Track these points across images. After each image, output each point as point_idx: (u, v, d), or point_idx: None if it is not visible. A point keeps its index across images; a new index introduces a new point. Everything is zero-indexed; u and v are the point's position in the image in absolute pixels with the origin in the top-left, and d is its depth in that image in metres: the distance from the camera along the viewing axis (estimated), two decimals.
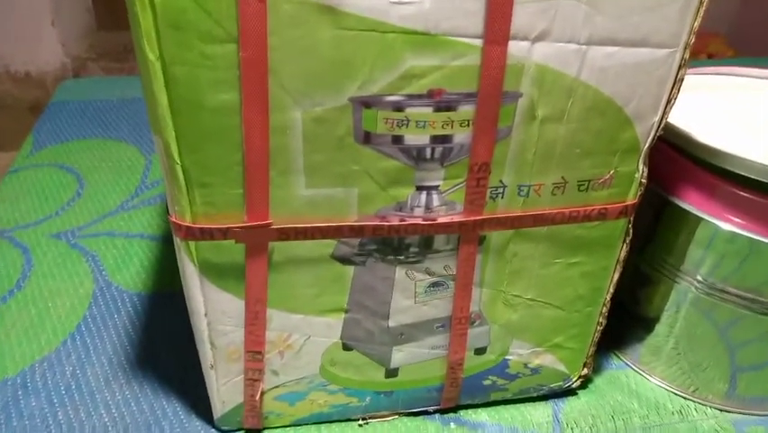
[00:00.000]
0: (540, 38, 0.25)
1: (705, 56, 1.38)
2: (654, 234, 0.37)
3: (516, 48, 0.25)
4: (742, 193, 0.33)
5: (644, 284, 0.39)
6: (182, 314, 0.33)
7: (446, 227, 0.30)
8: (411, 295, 0.32)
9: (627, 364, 0.42)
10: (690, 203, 0.35)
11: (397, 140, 0.27)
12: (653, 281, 0.39)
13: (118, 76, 1.48)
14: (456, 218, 0.30)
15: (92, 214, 0.56)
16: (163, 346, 0.43)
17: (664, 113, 0.29)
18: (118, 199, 0.58)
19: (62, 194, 0.59)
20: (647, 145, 0.30)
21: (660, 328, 0.39)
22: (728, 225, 0.34)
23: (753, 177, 0.32)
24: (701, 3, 0.26)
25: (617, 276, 0.35)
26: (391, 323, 0.33)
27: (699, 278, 0.36)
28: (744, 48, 1.43)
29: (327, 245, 0.30)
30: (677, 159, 0.35)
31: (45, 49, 1.49)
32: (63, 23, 1.50)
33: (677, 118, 0.36)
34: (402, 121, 0.27)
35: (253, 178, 0.27)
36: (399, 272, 0.31)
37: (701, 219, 0.35)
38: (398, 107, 0.26)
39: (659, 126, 0.29)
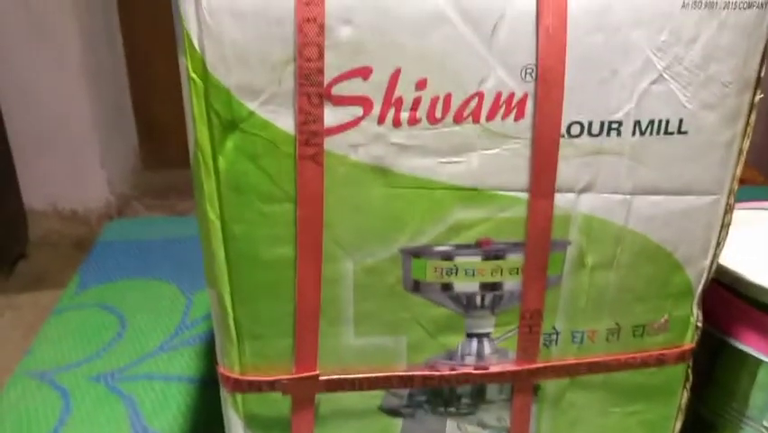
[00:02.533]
0: (585, 190, 0.26)
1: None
2: (713, 377, 0.36)
3: (562, 199, 0.26)
4: None
5: (706, 431, 0.37)
6: None
7: (499, 376, 0.29)
8: None
9: None
10: (748, 344, 0.34)
11: (447, 288, 0.27)
12: (716, 428, 0.36)
13: (160, 213, 1.54)
14: (509, 367, 0.29)
15: (132, 355, 0.56)
16: None
17: (714, 256, 0.29)
18: (158, 340, 0.59)
19: (104, 335, 0.60)
20: (700, 289, 0.29)
21: None
22: None
23: None
24: (741, 152, 0.27)
25: (679, 424, 0.33)
26: None
27: (765, 424, 0.34)
28: None
29: (375, 397, 0.29)
30: (730, 299, 0.34)
31: (92, 188, 1.57)
32: (111, 164, 1.58)
33: (726, 256, 0.35)
34: (451, 269, 0.27)
35: (304, 328, 0.27)
36: (450, 425, 0.30)
37: (761, 362, 0.33)
38: (447, 257, 0.27)
39: (710, 270, 0.29)
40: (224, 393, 0.29)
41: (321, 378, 0.28)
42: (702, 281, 0.29)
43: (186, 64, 0.23)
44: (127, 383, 0.53)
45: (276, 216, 0.25)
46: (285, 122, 0.24)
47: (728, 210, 0.28)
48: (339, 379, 0.28)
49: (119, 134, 1.58)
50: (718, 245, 0.28)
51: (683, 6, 0.23)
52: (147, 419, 0.49)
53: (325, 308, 0.27)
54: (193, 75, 0.23)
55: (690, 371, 0.31)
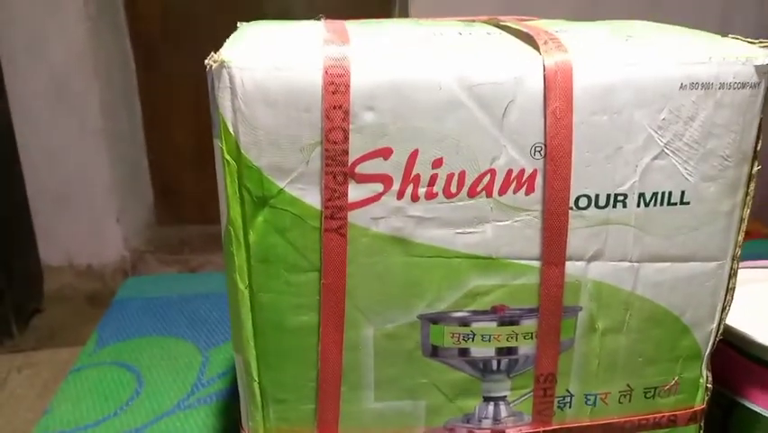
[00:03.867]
0: (594, 258, 0.27)
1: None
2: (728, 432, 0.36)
3: (572, 267, 0.27)
4: None
5: None
6: None
7: None
8: None
9: None
10: (759, 404, 0.34)
11: (464, 353, 0.28)
12: None
13: (173, 268, 1.55)
14: (525, 429, 0.30)
15: (149, 414, 0.57)
16: None
17: (721, 319, 0.30)
18: (175, 398, 0.59)
19: (122, 393, 0.60)
20: (708, 351, 0.30)
21: None
22: None
23: None
24: (742, 219, 0.28)
25: None
26: None
27: None
28: None
29: None
30: (739, 359, 0.35)
31: (108, 243, 1.59)
32: (126, 220, 1.61)
33: (734, 316, 0.36)
34: (468, 335, 0.28)
35: (326, 394, 0.28)
36: None
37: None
38: (464, 323, 0.28)
39: (717, 332, 0.30)
40: None
41: None
42: (710, 344, 0.30)
43: (221, 147, 0.25)
44: None
45: (301, 286, 0.27)
46: (312, 198, 0.25)
47: (732, 275, 0.29)
48: None
49: (135, 193, 1.62)
50: (724, 309, 0.30)
51: (681, 88, 0.25)
52: None
53: (347, 373, 0.28)
54: (227, 157, 0.25)
55: (701, 431, 0.32)
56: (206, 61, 0.24)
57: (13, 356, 0.85)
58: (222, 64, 0.24)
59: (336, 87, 0.24)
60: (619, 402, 0.30)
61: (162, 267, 1.57)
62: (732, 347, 0.36)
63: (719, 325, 0.30)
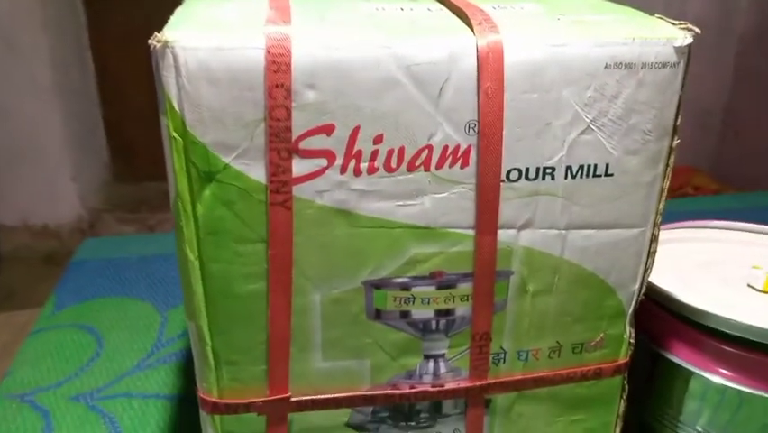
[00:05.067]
0: (524, 226, 0.29)
1: (691, 189, 1.46)
2: (653, 387, 0.39)
3: (504, 235, 0.29)
4: (726, 348, 0.36)
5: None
6: None
7: (454, 393, 0.32)
8: None
9: None
10: (681, 357, 0.38)
11: (405, 315, 0.30)
12: (657, 431, 0.40)
13: (132, 227, 1.53)
14: (463, 384, 0.32)
15: (110, 374, 0.58)
16: None
17: (642, 281, 0.32)
18: (135, 359, 0.60)
19: (82, 354, 0.61)
20: (631, 310, 0.33)
21: None
22: (718, 377, 0.36)
23: (734, 334, 0.35)
24: (662, 190, 0.30)
25: (618, 430, 0.36)
26: None
27: (698, 428, 0.38)
28: (726, 182, 1.52)
29: (342, 414, 0.32)
30: (664, 316, 0.38)
31: (64, 202, 1.57)
32: (82, 178, 1.58)
33: (660, 274, 0.39)
34: (409, 299, 0.30)
35: (276, 355, 0.30)
36: None
37: (692, 373, 0.37)
38: (405, 287, 0.30)
39: (639, 292, 0.33)
40: (203, 414, 0.32)
41: (292, 399, 0.31)
42: (633, 303, 0.33)
43: (167, 123, 0.26)
44: (106, 402, 0.55)
45: (249, 256, 0.28)
46: (257, 173, 0.26)
47: (653, 240, 0.31)
48: (309, 400, 0.31)
49: (90, 150, 1.58)
50: (646, 271, 0.32)
51: (606, 67, 0.27)
52: None
53: (295, 335, 0.30)
54: (174, 134, 0.26)
55: (626, 382, 0.35)
56: (150, 41, 0.24)
57: None
58: (165, 44, 0.24)
59: (278, 66, 0.25)
60: (549, 357, 0.33)
61: (120, 226, 1.56)
62: (657, 304, 0.39)
63: (641, 285, 0.32)
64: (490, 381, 0.32)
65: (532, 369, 0.33)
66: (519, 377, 0.33)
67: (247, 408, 0.31)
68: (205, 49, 0.24)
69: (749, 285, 0.40)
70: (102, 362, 0.60)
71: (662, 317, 0.38)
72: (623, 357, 0.34)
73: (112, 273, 0.77)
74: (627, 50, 0.27)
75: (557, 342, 0.32)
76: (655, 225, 0.31)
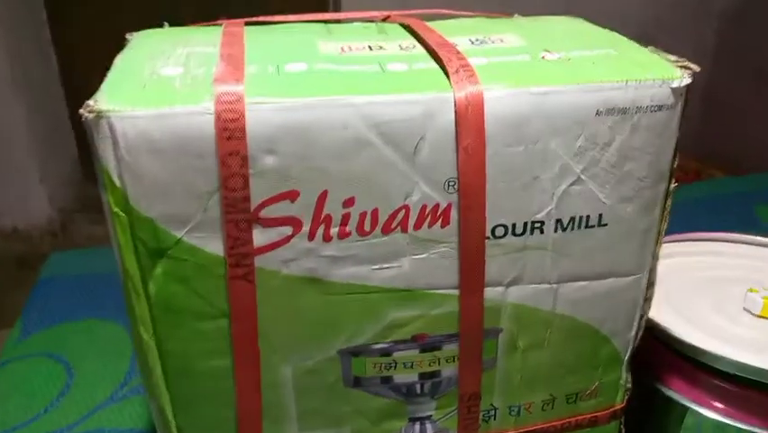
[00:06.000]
0: (513, 283, 0.27)
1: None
2: (648, 418, 0.38)
3: (491, 293, 0.27)
4: (721, 384, 0.34)
5: None
6: None
7: None
8: None
9: None
10: (676, 390, 0.36)
11: (387, 380, 0.28)
12: None
13: (105, 228, 1.49)
14: None
15: (81, 409, 0.55)
16: None
17: (639, 327, 0.30)
18: (108, 390, 0.58)
19: (51, 388, 0.58)
20: (628, 356, 0.31)
21: None
22: (713, 412, 0.35)
23: (730, 372, 0.33)
24: (659, 233, 0.28)
25: None
26: None
27: None
28: (707, 161, 1.51)
29: None
30: (659, 349, 0.36)
31: (33, 204, 1.52)
32: (51, 178, 1.53)
33: (655, 302, 0.37)
34: (390, 364, 0.28)
35: (247, 430, 0.27)
36: None
37: (687, 407, 0.35)
38: (385, 353, 0.27)
39: (636, 338, 0.31)
40: None
41: None
42: (629, 349, 0.31)
43: (107, 199, 0.23)
44: None
45: (210, 332, 0.25)
46: (214, 246, 0.24)
47: (649, 285, 0.29)
48: None
49: (57, 148, 1.53)
50: (642, 317, 0.30)
51: (597, 114, 0.24)
52: None
53: (267, 409, 0.27)
54: (115, 209, 0.23)
55: (622, 427, 0.33)
56: (81, 111, 0.21)
57: None
58: (99, 114, 0.21)
59: (231, 132, 0.22)
60: (542, 410, 0.31)
61: (93, 227, 1.51)
62: (655, 338, 0.37)
63: (638, 331, 0.30)
64: None
65: (524, 423, 0.31)
66: (511, 432, 0.31)
67: None
68: (144, 117, 0.21)
69: (745, 309, 0.38)
70: (72, 395, 0.57)
71: (657, 350, 0.37)
72: (619, 403, 0.32)
73: (81, 292, 0.73)
74: (620, 95, 0.24)
75: (550, 394, 0.30)
76: (651, 271, 0.29)
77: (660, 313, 0.37)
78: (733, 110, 1.60)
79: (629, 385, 0.32)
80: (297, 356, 0.26)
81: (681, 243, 0.46)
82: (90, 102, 0.21)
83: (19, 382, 0.59)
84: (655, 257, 0.29)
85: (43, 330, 0.67)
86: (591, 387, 0.31)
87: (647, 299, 0.30)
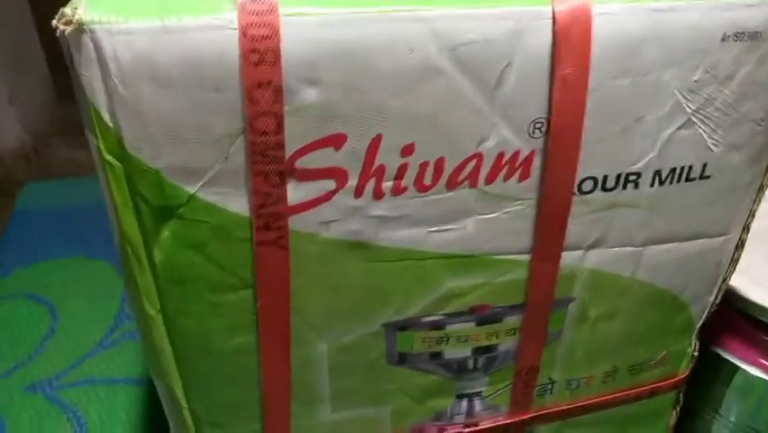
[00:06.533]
0: (594, 246, 0.22)
1: None
2: (696, 378, 0.35)
3: (567, 258, 0.22)
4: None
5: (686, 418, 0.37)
6: None
7: (490, 431, 0.27)
8: None
9: None
10: (727, 349, 0.33)
11: (436, 356, 0.24)
12: (690, 418, 0.36)
13: (83, 153, 1.41)
14: (501, 420, 0.26)
15: (69, 357, 0.51)
16: None
17: (719, 291, 0.26)
18: (97, 335, 0.53)
19: (35, 332, 0.54)
20: (701, 323, 0.27)
21: None
22: (764, 373, 0.32)
23: None
24: (762, 188, 0.24)
25: None
26: None
27: (732, 419, 0.34)
28: None
29: None
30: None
31: (3, 127, 1.42)
32: (20, 99, 1.43)
33: None
34: (442, 338, 0.23)
35: (272, 413, 0.23)
36: None
37: (738, 367, 0.32)
38: (437, 326, 0.23)
39: (713, 303, 0.27)
40: None
41: None
42: (705, 315, 0.27)
43: (95, 144, 0.17)
44: (67, 391, 0.48)
45: (231, 306, 0.21)
46: (237, 204, 0.19)
47: (740, 246, 0.25)
48: None
49: (26, 66, 1.42)
50: (724, 280, 0.26)
51: (723, 40, 0.19)
52: (92, 430, 0.45)
53: (297, 390, 0.23)
54: (108, 157, 0.17)
55: (681, 395, 0.30)
56: (54, 23, 0.15)
57: None
58: (80, 28, 0.15)
59: (261, 55, 0.16)
60: (603, 383, 0.27)
61: (71, 151, 1.42)
62: None
63: (717, 296, 0.26)
64: (533, 414, 0.27)
65: (580, 396, 0.27)
66: (566, 406, 0.27)
67: None
68: (143, 32, 0.16)
69: None
70: (58, 339, 0.53)
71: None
72: (682, 371, 0.29)
73: (62, 226, 0.68)
74: (752, 15, 0.19)
75: (613, 366, 0.27)
76: (744, 230, 0.25)
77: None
78: None
79: (696, 353, 0.28)
80: (334, 332, 0.22)
81: None
82: (67, 10, 0.15)
83: (1, 326, 0.55)
84: (752, 215, 0.24)
85: (22, 268, 0.62)
86: (658, 357, 0.27)
87: (734, 261, 0.25)
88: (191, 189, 0.18)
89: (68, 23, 0.15)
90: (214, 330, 0.21)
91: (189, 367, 0.22)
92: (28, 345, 0.52)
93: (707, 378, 0.34)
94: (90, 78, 0.16)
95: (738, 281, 0.31)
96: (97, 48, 0.16)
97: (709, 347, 0.33)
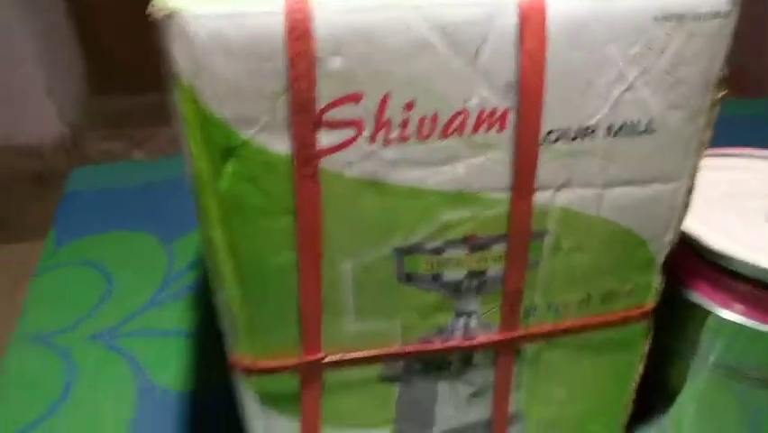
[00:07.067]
0: (562, 187, 0.28)
1: None
2: (672, 321, 0.40)
3: (540, 196, 0.28)
4: (742, 288, 0.36)
5: (664, 362, 0.42)
6: (231, 410, 0.35)
7: (484, 345, 0.32)
8: (454, 404, 0.34)
9: None
10: (700, 293, 0.38)
11: (437, 277, 0.30)
12: (672, 360, 0.41)
13: (118, 143, 1.50)
14: (493, 337, 0.32)
15: (124, 312, 0.58)
16: None
17: (675, 231, 0.32)
18: (147, 295, 0.61)
19: (92, 293, 0.61)
20: (662, 259, 0.32)
21: (680, 404, 0.42)
22: (733, 314, 0.37)
23: (750, 276, 0.35)
24: (702, 143, 0.29)
25: (641, 368, 0.37)
26: (436, 430, 0.35)
27: (710, 358, 0.39)
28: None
29: (375, 368, 0.32)
30: (685, 255, 0.38)
31: (42, 120, 1.51)
32: (58, 93, 1.52)
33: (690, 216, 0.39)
34: (440, 262, 0.29)
35: (308, 321, 0.30)
36: (442, 386, 0.34)
37: (709, 311, 0.37)
38: (437, 251, 0.29)
39: (671, 242, 0.32)
40: (237, 374, 0.32)
41: (326, 360, 0.31)
42: (665, 253, 0.32)
43: (178, 99, 0.24)
44: (125, 340, 0.55)
45: (277, 230, 0.27)
46: (280, 147, 0.25)
47: (689, 192, 0.30)
48: (341, 359, 0.31)
49: (64, 61, 1.51)
50: (679, 221, 0.31)
51: (655, 20, 0.25)
52: (151, 374, 0.52)
53: (327, 302, 0.29)
54: (186, 109, 0.24)
55: (650, 325, 0.35)
56: (150, 10, 0.22)
57: None
58: (171, 14, 0.22)
59: (299, 33, 0.22)
60: (579, 308, 0.33)
61: (106, 143, 1.51)
62: (679, 243, 0.38)
63: (674, 236, 0.32)
64: (520, 333, 0.32)
65: (561, 319, 0.33)
66: (549, 328, 0.33)
67: (282, 370, 0.31)
68: (217, 16, 0.22)
69: None
70: (113, 300, 0.60)
71: (683, 256, 0.38)
72: (650, 303, 0.34)
73: (108, 206, 0.75)
74: (678, 1, 0.24)
75: (587, 293, 0.32)
76: (691, 178, 0.30)
77: (686, 221, 0.38)
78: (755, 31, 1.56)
79: (660, 288, 0.34)
80: (355, 254, 0.28)
81: (711, 157, 0.46)
82: (159, 1, 0.22)
83: (59, 288, 0.62)
84: (696, 165, 0.30)
85: (76, 241, 0.69)
86: (626, 288, 0.33)
87: (686, 205, 0.31)
88: (247, 135, 0.24)
89: (162, 10, 0.22)
90: (264, 250, 0.27)
91: (246, 282, 0.28)
92: (88, 303, 0.60)
93: (682, 322, 0.39)
94: (177, 50, 0.22)
95: (706, 234, 0.37)
96: (184, 28, 0.22)
97: (683, 292, 0.38)
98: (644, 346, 0.36)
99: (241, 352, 0.31)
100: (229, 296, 0.28)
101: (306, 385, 0.32)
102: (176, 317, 0.58)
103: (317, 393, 0.32)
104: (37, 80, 1.42)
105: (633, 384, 0.38)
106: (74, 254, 0.67)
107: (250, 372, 0.31)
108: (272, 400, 0.32)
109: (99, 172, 0.85)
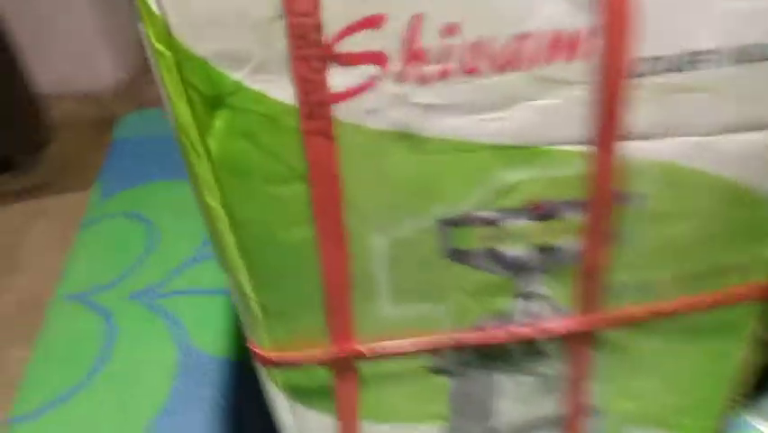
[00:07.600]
0: (659, 135, 0.21)
1: None
2: None
3: (630, 149, 0.21)
4: None
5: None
6: None
7: (555, 332, 0.26)
8: (515, 398, 0.29)
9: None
10: None
11: (492, 253, 0.24)
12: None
13: None
14: (566, 323, 0.26)
15: (167, 268, 0.56)
16: (257, 420, 0.41)
17: None
18: (190, 249, 0.57)
19: (135, 247, 0.59)
20: None
21: None
22: None
23: None
24: None
25: (746, 351, 0.30)
26: (496, 424, 0.30)
27: None
28: None
29: (423, 359, 0.27)
30: None
31: (99, 67, 1.50)
32: (113, 38, 1.50)
33: None
34: (496, 235, 0.23)
35: (335, 305, 0.24)
36: (502, 378, 0.28)
37: None
38: (491, 222, 0.23)
39: None
40: (259, 367, 0.27)
41: (360, 348, 0.26)
42: None
43: (146, 32, 0.18)
44: (167, 300, 0.52)
45: (287, 198, 0.21)
46: (282, 92, 0.19)
47: None
48: (380, 348, 0.26)
49: (121, 5, 1.48)
50: None
51: None
52: (191, 335, 0.49)
53: (357, 282, 0.24)
54: (158, 45, 0.18)
55: (766, 305, 0.28)
56: None
57: (26, 204, 0.84)
58: None
59: None
60: (677, 287, 0.26)
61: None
62: None
63: None
64: (602, 318, 0.26)
65: (650, 300, 0.26)
66: (636, 311, 0.26)
67: (308, 360, 0.26)
68: None
69: None
70: (156, 254, 0.57)
71: None
72: (764, 279, 0.27)
73: (155, 153, 0.72)
74: None
75: (689, 270, 0.25)
76: None
77: None
78: None
79: None
80: (387, 227, 0.22)
81: None
82: None
83: (103, 241, 0.60)
84: None
85: (123, 191, 0.67)
86: (739, 260, 0.25)
87: None
88: (238, 76, 0.18)
89: None
90: (274, 222, 0.22)
91: (254, 260, 0.23)
92: (130, 258, 0.57)
93: None
94: None
95: None
96: None
97: None
98: (753, 326, 0.29)
99: (259, 340, 0.26)
100: (236, 277, 0.24)
101: (340, 378, 0.27)
102: (219, 275, 0.54)
103: (353, 388, 0.28)
104: (95, 26, 1.40)
105: (736, 373, 0.31)
106: (119, 206, 0.64)
107: (270, 363, 0.26)
108: (301, 394, 0.28)
109: (148, 118, 0.81)
